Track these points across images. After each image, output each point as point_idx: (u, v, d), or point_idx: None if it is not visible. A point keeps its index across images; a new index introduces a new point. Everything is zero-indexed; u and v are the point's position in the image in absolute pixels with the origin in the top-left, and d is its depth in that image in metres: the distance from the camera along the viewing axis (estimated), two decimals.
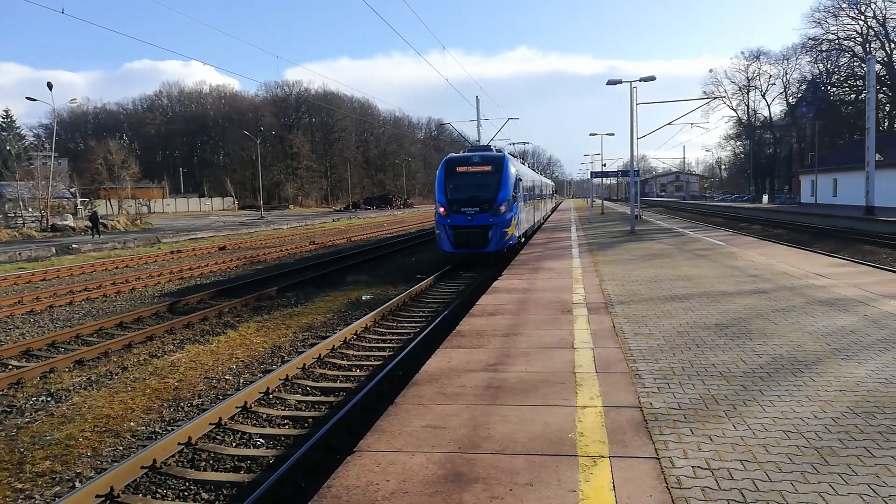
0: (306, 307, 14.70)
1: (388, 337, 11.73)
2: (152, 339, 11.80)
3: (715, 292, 10.77)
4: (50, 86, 45.11)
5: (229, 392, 8.68)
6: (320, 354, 10.17)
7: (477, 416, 5.11)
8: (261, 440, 7.08)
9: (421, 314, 13.76)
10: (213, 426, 7.30)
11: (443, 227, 20.22)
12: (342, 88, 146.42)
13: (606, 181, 78.18)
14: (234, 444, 6.96)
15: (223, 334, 12.10)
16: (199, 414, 7.73)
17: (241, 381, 9.23)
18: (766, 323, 8.19)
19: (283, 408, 8.11)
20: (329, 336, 11.45)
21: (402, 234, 40.86)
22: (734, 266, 14.30)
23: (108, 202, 73.66)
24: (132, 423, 7.55)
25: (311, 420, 7.64)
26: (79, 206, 61.61)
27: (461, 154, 22.73)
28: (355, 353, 10.68)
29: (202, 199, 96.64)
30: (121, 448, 6.85)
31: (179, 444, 6.74)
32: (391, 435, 4.80)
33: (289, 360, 9.98)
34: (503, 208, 19.97)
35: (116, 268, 23.86)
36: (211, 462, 6.51)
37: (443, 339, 10.43)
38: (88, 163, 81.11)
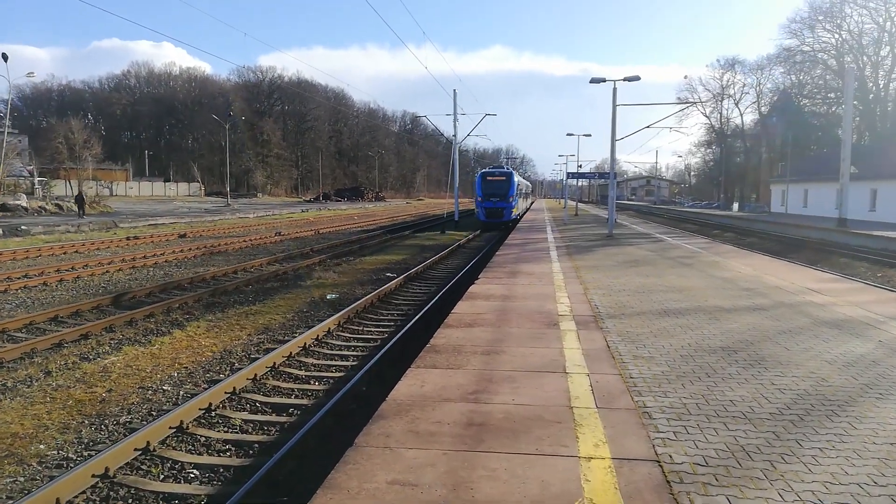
0: (265, 305, 13.51)
1: (352, 343, 10.65)
2: (87, 338, 10.51)
3: (710, 307, 9.92)
4: (5, 57, 42.72)
5: (165, 407, 7.51)
6: (275, 363, 9.05)
7: (457, 469, 4.08)
8: (194, 472, 5.94)
9: (390, 317, 12.69)
10: (140, 452, 6.16)
11: (480, 207, 39.72)
12: (316, 77, 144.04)
13: (579, 182, 77.78)
14: (162, 477, 5.82)
15: (168, 334, 10.86)
16: (124, 436, 6.57)
17: (182, 392, 8.06)
18: (776, 348, 7.32)
19: (226, 429, 6.99)
20: (287, 340, 10.32)
21: (373, 227, 39.64)
22: (722, 277, 13.53)
23: (67, 183, 70.84)
24: (42, 446, 6.35)
25: (257, 446, 6.54)
26: (36, 186, 58.95)
27: (489, 169, 43.34)
28: (315, 361, 9.57)
29: (167, 183, 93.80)
30: (21, 480, 5.67)
31: (94, 475, 5.59)
32: (348, 495, 3.75)
33: (239, 369, 8.84)
34: (511, 199, 39.55)
35: (65, 253, 22.28)
36: (130, 500, 5.38)
37: (413, 350, 9.44)
38: (49, 141, 77.82)
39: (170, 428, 6.68)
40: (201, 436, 6.72)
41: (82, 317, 12.22)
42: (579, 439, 4.57)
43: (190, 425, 6.88)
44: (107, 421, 7.06)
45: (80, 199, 40.38)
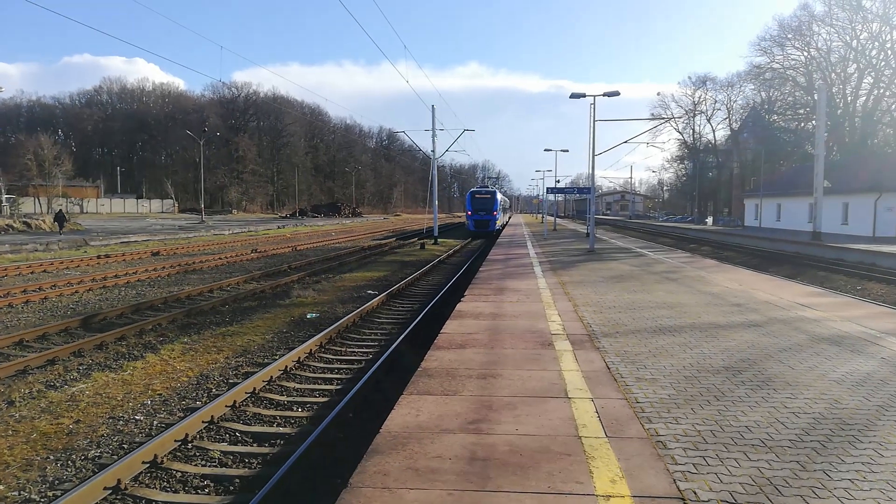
0: (243, 325, 13.00)
1: (335, 366, 10.20)
2: (53, 364, 9.92)
3: (705, 324, 9.68)
4: None
5: (138, 439, 7.01)
6: (255, 388, 8.58)
7: None
8: None
9: (373, 337, 12.27)
10: (110, 491, 5.67)
11: (470, 219, 49.00)
12: (292, 92, 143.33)
13: (555, 198, 78.03)
14: None
15: (141, 358, 10.31)
16: (93, 474, 6.06)
17: (156, 422, 7.55)
18: (780, 367, 7.07)
19: (203, 462, 6.51)
20: (268, 364, 9.85)
21: (352, 244, 39.13)
22: (710, 293, 13.35)
23: (36, 200, 69.30)
24: (1, 487, 5.82)
25: (238, 482, 6.08)
26: (3, 204, 57.47)
27: (476, 188, 54.10)
28: (297, 385, 9.11)
29: (140, 200, 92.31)
30: None
31: None
32: None
33: (217, 396, 8.35)
34: (494, 213, 48.83)
35: (32, 272, 21.45)
36: None
37: (401, 371, 9.04)
38: (18, 158, 76.06)
39: (143, 463, 6.19)
40: (177, 471, 6.23)
41: (49, 340, 11.59)
42: (594, 474, 4.22)
43: (165, 459, 6.40)
44: (74, 456, 6.53)
45: (60, 217, 40.32)
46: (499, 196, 52.50)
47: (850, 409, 5.60)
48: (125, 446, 6.82)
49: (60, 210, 44.78)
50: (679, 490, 3.98)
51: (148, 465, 6.22)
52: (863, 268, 26.17)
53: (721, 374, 6.73)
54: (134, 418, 7.66)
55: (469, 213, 50.16)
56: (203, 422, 7.32)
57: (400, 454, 4.59)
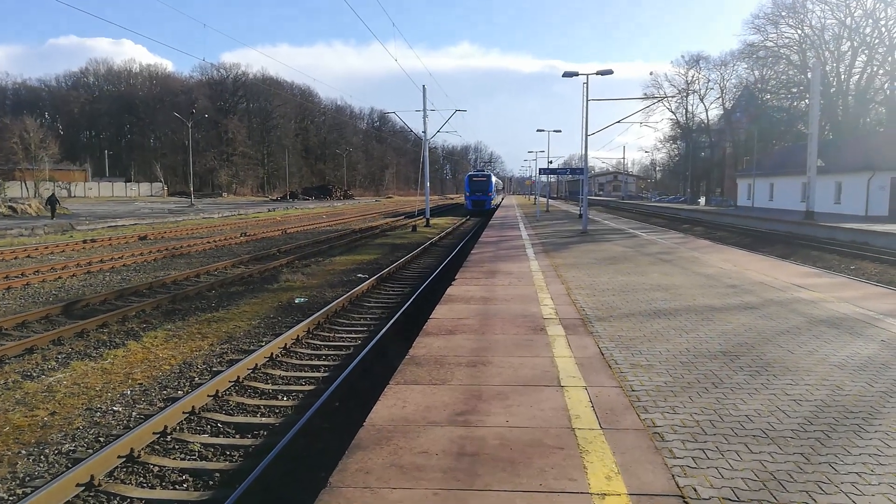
0: (229, 311, 12.71)
1: (323, 352, 9.95)
2: (32, 352, 9.62)
3: (700, 307, 9.47)
4: None
5: (116, 432, 6.75)
6: (238, 377, 8.32)
7: None
8: None
9: (363, 322, 12.02)
10: (83, 488, 5.42)
11: (468, 199, 55.85)
12: (282, 73, 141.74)
13: (548, 179, 77.62)
14: None
15: (122, 346, 10.02)
16: (66, 469, 5.81)
17: (135, 413, 7.29)
18: (779, 351, 6.86)
19: (182, 455, 6.26)
20: (253, 351, 9.59)
21: (342, 227, 38.77)
22: (705, 274, 13.15)
23: (23, 184, 68.35)
24: None
25: (217, 476, 5.84)
26: None
27: (474, 172, 60.96)
28: (283, 373, 8.86)
29: (129, 183, 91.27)
30: None
31: None
32: None
33: (199, 385, 8.09)
34: (490, 193, 55.98)
35: (16, 258, 21.03)
36: None
37: (389, 357, 8.79)
38: (3, 142, 74.85)
39: (118, 457, 5.94)
40: (154, 465, 5.99)
41: (29, 328, 11.28)
42: (588, 470, 3.99)
43: (142, 453, 6.15)
44: (47, 450, 6.27)
45: (52, 200, 39.54)
46: (494, 179, 61.79)
47: (853, 396, 5.39)
48: (101, 439, 6.56)
49: (53, 194, 44.00)
50: (678, 486, 3.76)
51: (124, 459, 5.97)
52: (855, 247, 26.10)
53: (718, 360, 6.51)
54: (112, 409, 7.39)
55: (467, 193, 57.10)
56: (184, 412, 7.07)
57: (384, 449, 4.35)
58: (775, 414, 4.97)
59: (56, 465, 6.00)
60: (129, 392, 7.98)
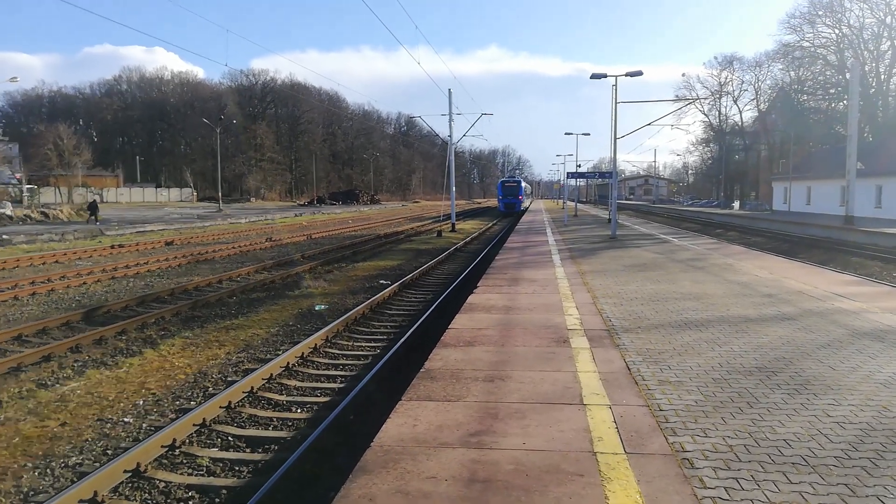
0: (248, 319, 12.57)
1: (340, 362, 9.71)
2: (49, 360, 9.56)
3: (734, 317, 9.02)
4: None
5: (124, 444, 6.58)
6: (252, 387, 8.12)
7: None
8: None
9: (382, 330, 11.77)
10: None
11: (501, 201, 65.83)
12: (310, 79, 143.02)
13: (576, 182, 76.83)
14: None
15: (139, 354, 9.92)
16: (71, 483, 5.64)
17: (145, 425, 7.12)
18: (819, 366, 6.42)
19: (190, 471, 6.06)
20: (269, 360, 9.39)
21: (367, 232, 38.71)
22: (739, 282, 12.64)
23: (57, 190, 69.83)
24: None
25: (224, 493, 5.61)
26: (24, 194, 57.90)
27: (506, 178, 73.77)
28: (298, 383, 8.65)
29: (159, 189, 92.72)
30: None
31: None
32: None
33: (212, 395, 7.90)
34: (520, 197, 65.66)
35: (44, 263, 21.28)
36: None
37: (408, 369, 8.51)
38: (39, 148, 76.59)
39: (124, 472, 5.76)
40: (160, 481, 5.79)
41: (49, 335, 11.26)
42: (609, 500, 3.65)
43: (149, 468, 5.96)
44: (54, 463, 6.12)
45: (93, 206, 40.20)
46: (523, 184, 73.24)
47: None
48: (109, 452, 6.40)
49: (94, 200, 44.84)
50: None
51: (130, 474, 5.79)
52: None
53: (754, 376, 6.10)
54: (123, 420, 7.24)
55: (500, 197, 66.95)
56: (194, 425, 6.87)
57: (390, 473, 4.06)
58: (816, 438, 4.57)
59: (62, 478, 5.84)
60: (141, 402, 7.83)
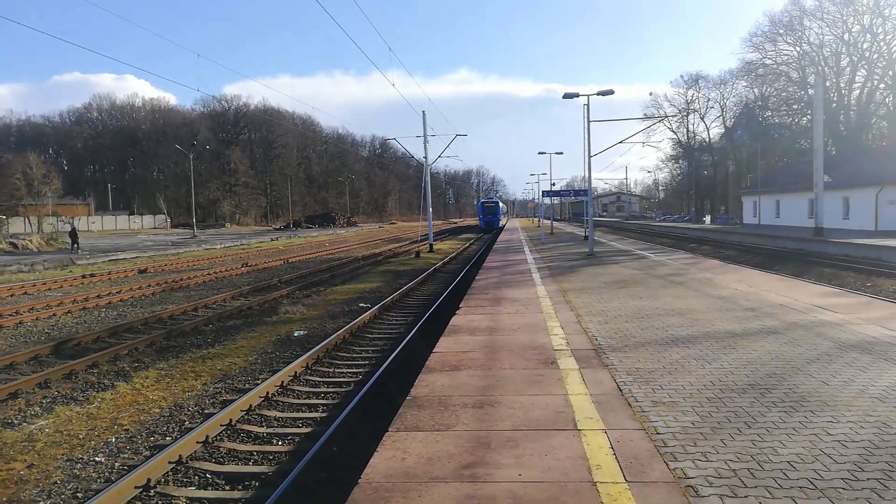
0: (225, 347, 12.22)
1: (322, 389, 9.43)
2: (16, 397, 9.13)
3: (719, 333, 8.94)
4: None
5: (95, 486, 6.23)
6: (231, 420, 7.81)
7: None
8: None
9: (364, 355, 11.51)
10: None
11: (482, 219, 77.31)
12: (283, 104, 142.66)
13: (551, 201, 77.43)
14: None
15: (111, 388, 9.53)
16: None
17: (118, 464, 6.77)
18: (812, 382, 6.33)
19: None
20: (247, 390, 9.08)
21: (345, 255, 38.35)
22: (720, 296, 12.62)
23: (26, 219, 68.38)
24: None
25: None
26: None
27: (485, 199, 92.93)
28: (279, 414, 8.35)
29: (132, 216, 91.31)
30: None
31: None
32: None
33: (189, 430, 7.57)
34: (498, 215, 78.44)
35: (11, 295, 20.61)
36: None
37: (392, 394, 8.27)
38: (7, 178, 74.96)
39: None
40: None
41: (16, 370, 10.80)
42: None
43: None
44: None
45: (73, 234, 41.20)
46: (501, 204, 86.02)
47: None
48: (79, 496, 6.05)
49: (73, 228, 44.94)
50: None
51: None
52: (869, 263, 25.48)
53: (748, 394, 5.98)
54: (94, 460, 6.88)
55: (481, 215, 78.19)
56: (170, 462, 6.55)
57: None
58: (820, 459, 4.44)
59: None
60: (113, 440, 7.47)
